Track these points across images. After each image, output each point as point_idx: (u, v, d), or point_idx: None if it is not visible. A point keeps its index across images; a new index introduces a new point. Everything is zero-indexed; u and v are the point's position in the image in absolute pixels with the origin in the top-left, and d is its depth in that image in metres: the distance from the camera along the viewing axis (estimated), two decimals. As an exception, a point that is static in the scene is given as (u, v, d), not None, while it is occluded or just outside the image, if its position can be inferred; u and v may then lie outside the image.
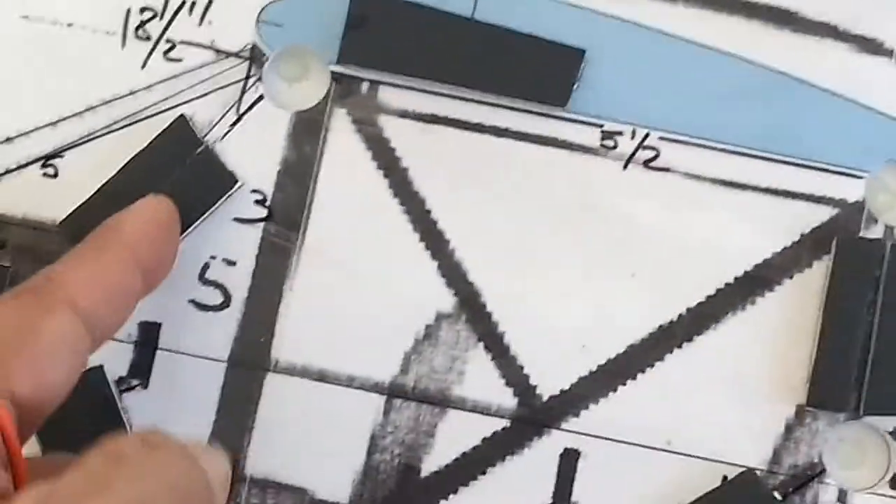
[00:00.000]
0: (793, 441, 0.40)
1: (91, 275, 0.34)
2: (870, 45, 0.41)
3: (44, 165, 0.41)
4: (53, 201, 0.41)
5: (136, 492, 0.28)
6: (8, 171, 0.41)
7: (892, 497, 0.39)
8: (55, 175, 0.41)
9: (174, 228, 0.39)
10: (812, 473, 0.39)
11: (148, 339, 0.41)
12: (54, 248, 0.40)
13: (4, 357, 0.31)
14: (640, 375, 0.40)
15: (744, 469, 0.39)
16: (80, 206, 0.40)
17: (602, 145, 0.41)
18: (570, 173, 0.41)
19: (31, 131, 0.41)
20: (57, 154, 0.41)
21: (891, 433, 0.40)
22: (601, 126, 0.41)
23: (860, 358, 0.39)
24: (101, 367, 0.40)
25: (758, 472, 0.39)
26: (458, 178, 0.41)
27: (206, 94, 0.41)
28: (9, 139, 0.41)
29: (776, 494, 0.39)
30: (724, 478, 0.40)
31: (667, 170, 0.41)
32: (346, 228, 0.41)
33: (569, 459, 0.40)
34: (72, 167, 0.41)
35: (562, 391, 0.40)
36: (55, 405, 0.32)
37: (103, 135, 0.41)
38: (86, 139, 0.41)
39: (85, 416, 0.39)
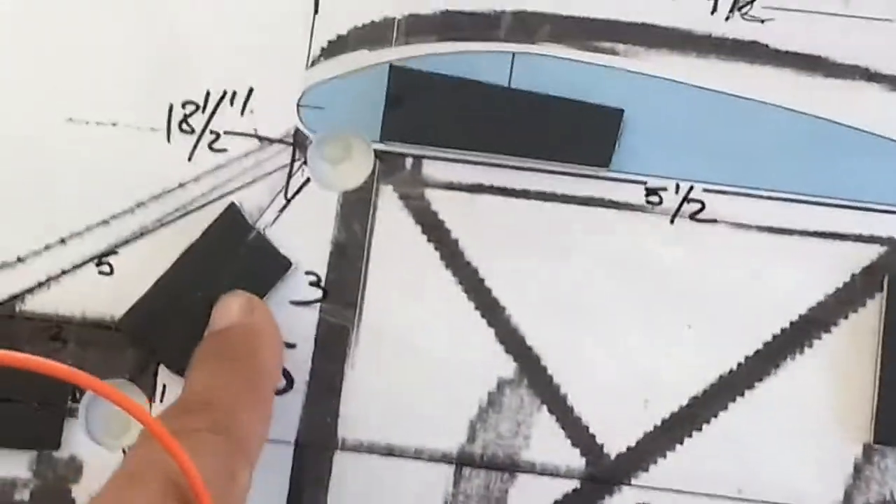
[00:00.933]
0: (863, 480, 0.40)
1: (260, 430, 0.37)
2: (902, 84, 0.41)
3: (99, 263, 0.42)
4: (110, 298, 0.41)
5: None
6: (64, 272, 0.42)
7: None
8: (111, 272, 0.42)
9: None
10: (885, 511, 0.39)
11: (214, 427, 0.41)
12: (113, 343, 0.41)
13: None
14: (705, 426, 0.40)
15: (817, 511, 0.39)
16: (137, 302, 0.41)
17: (647, 201, 0.41)
18: (617, 231, 0.41)
19: (84, 231, 0.42)
20: (111, 251, 0.42)
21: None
22: (645, 183, 0.41)
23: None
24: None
25: (832, 514, 0.39)
26: (507, 245, 0.41)
27: (253, 182, 0.42)
28: (62, 240, 0.42)
29: (851, 534, 0.39)
30: (799, 521, 0.39)
31: (714, 221, 0.41)
32: (402, 303, 0.41)
33: (642, 514, 0.40)
34: (126, 263, 0.42)
35: (628, 448, 0.40)
36: None
37: (156, 229, 0.42)
38: (138, 235, 0.42)
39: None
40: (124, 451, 0.41)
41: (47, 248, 0.42)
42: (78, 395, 0.41)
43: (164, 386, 0.41)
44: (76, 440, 0.41)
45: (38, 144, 0.42)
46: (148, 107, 0.42)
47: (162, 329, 0.41)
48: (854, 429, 0.40)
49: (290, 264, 0.41)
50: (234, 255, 0.41)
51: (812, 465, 0.40)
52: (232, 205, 0.41)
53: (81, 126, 0.42)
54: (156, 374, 0.41)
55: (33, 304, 0.41)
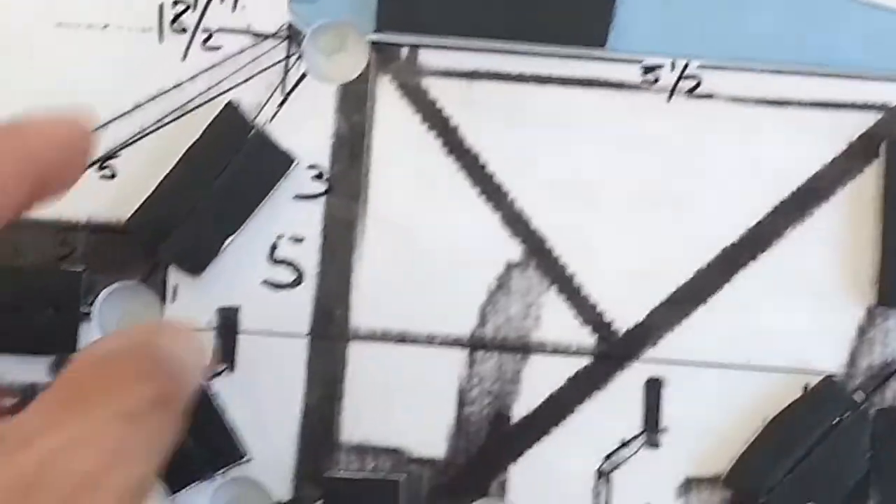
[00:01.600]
0: (867, 342, 0.41)
1: None
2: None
3: (101, 168, 0.41)
4: (115, 201, 0.41)
5: (146, 467, 0.28)
6: (66, 178, 0.41)
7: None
8: (113, 176, 0.42)
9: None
10: (889, 372, 0.40)
11: (227, 323, 0.41)
12: (122, 248, 0.41)
13: None
14: (710, 299, 0.41)
15: (823, 376, 0.40)
16: (142, 204, 0.41)
17: (644, 80, 0.41)
18: (616, 111, 0.41)
19: (84, 136, 0.41)
20: (112, 155, 0.42)
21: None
22: (641, 62, 0.42)
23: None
24: (186, 357, 0.40)
25: (836, 378, 0.40)
26: (507, 130, 0.41)
27: (249, 79, 0.42)
28: (62, 146, 0.41)
29: (856, 397, 0.40)
30: (805, 387, 0.40)
31: (710, 96, 0.41)
32: (406, 192, 0.41)
33: (653, 388, 0.41)
34: (128, 166, 0.42)
35: (637, 324, 0.41)
36: None
37: (154, 130, 0.42)
38: (138, 136, 0.42)
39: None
40: (139, 353, 0.41)
41: (47, 154, 0.41)
42: (91, 299, 0.41)
43: (176, 287, 0.41)
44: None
45: (29, 52, 0.42)
46: (138, 8, 0.42)
47: (169, 229, 0.41)
48: (857, 293, 0.41)
49: (293, 160, 0.41)
50: (235, 153, 0.41)
51: (817, 331, 0.41)
52: (230, 103, 0.41)
53: (72, 30, 0.42)
54: (166, 275, 0.41)
55: (37, 212, 0.41)
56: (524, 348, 0.41)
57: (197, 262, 0.41)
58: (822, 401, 0.40)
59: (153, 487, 0.29)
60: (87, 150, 0.33)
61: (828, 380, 0.40)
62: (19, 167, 0.31)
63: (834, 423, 0.40)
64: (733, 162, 0.41)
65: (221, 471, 0.41)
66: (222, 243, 0.41)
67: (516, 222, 0.41)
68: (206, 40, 0.42)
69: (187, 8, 0.42)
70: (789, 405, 0.40)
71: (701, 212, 0.41)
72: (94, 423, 0.28)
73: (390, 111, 0.42)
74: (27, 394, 0.41)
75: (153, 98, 0.42)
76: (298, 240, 0.41)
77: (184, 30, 0.42)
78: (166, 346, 0.31)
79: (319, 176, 0.42)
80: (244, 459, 0.41)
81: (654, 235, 0.41)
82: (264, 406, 0.41)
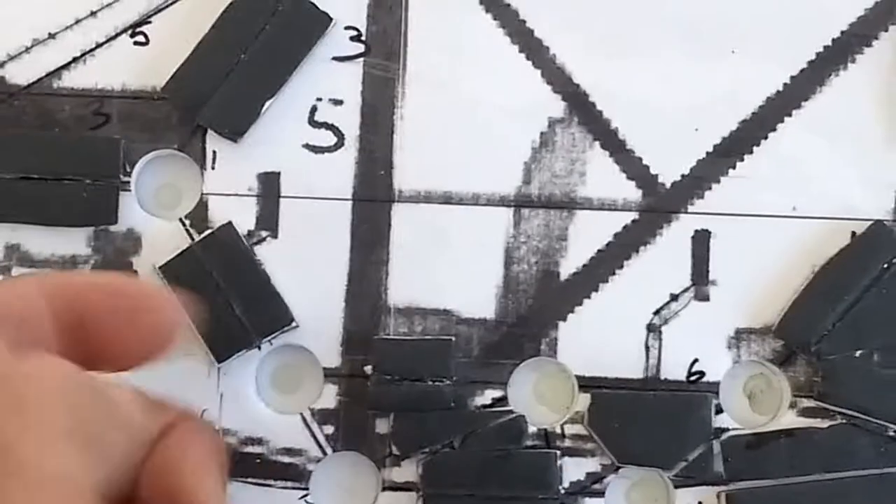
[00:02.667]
0: (914, 187, 0.41)
1: None
2: None
3: (133, 34, 0.41)
4: (149, 68, 0.41)
5: None
6: (98, 45, 0.41)
7: None
8: (146, 42, 0.41)
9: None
10: (937, 215, 0.40)
11: (269, 189, 0.41)
12: (157, 114, 0.40)
13: None
14: (755, 148, 0.41)
15: (871, 222, 0.40)
16: (178, 69, 0.40)
17: (683, -70, 0.41)
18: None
19: (114, 2, 0.41)
20: (144, 21, 0.41)
21: None
22: (679, -89, 0.41)
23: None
24: (229, 222, 0.40)
25: (888, 223, 0.40)
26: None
27: (282, -61, 0.41)
28: (93, 13, 0.41)
29: (903, 242, 0.40)
30: (853, 233, 0.40)
31: (750, -56, 0.41)
32: (445, 50, 0.41)
33: (701, 240, 0.41)
34: (161, 32, 0.41)
35: (682, 176, 0.41)
36: None
37: (186, -6, 0.41)
38: (171, 1, 0.41)
39: (225, 272, 0.39)
40: (181, 221, 0.40)
41: (78, 22, 0.41)
42: (128, 168, 0.40)
43: (214, 152, 0.41)
44: (131, 213, 0.41)
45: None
46: None
47: (207, 94, 0.40)
48: (901, 138, 0.41)
49: (331, 20, 0.40)
50: (271, 14, 0.40)
51: (862, 177, 0.41)
52: (265, -36, 0.40)
53: None
54: (204, 141, 0.41)
55: (71, 80, 0.41)
56: (570, 204, 0.41)
57: (236, 127, 0.40)
58: (870, 246, 0.40)
59: None
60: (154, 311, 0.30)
61: (877, 225, 0.40)
62: (49, 291, 0.29)
63: (884, 267, 0.40)
64: (774, 9, 0.41)
65: (269, 338, 0.40)
66: (261, 106, 0.40)
67: (557, 78, 0.41)
68: None
69: None
70: (838, 252, 0.40)
71: (744, 61, 0.41)
72: None
73: (426, -31, 0.41)
74: (67, 265, 0.40)
75: (184, -38, 0.41)
76: (338, 102, 0.41)
77: None
78: None
79: (357, 37, 0.41)
80: (291, 325, 0.40)
81: (697, 87, 0.41)
82: (310, 272, 0.41)
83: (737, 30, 0.41)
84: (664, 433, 0.40)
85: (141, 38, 0.41)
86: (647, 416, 0.40)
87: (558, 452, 0.40)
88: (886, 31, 0.41)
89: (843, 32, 0.41)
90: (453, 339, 0.40)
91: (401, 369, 0.40)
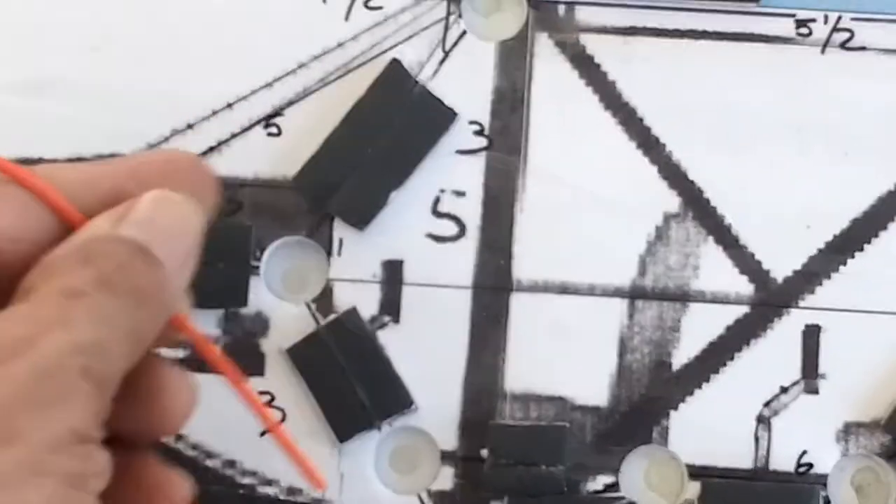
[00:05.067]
0: None
1: None
2: None
3: (266, 126, 0.43)
4: (280, 158, 0.43)
5: (92, 335, 0.28)
6: (234, 136, 0.43)
7: None
8: (279, 133, 0.43)
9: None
10: None
11: (392, 276, 0.42)
12: (288, 202, 0.42)
13: None
14: (866, 246, 0.42)
15: (981, 320, 0.41)
16: (310, 160, 0.42)
17: (798, 34, 0.42)
18: (770, 65, 0.42)
19: (249, 95, 0.43)
20: (277, 113, 0.43)
21: None
22: (794, 15, 0.42)
23: None
24: (354, 308, 0.42)
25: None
26: (662, 83, 0.42)
27: (410, 37, 0.43)
28: (229, 105, 0.43)
29: None
30: (963, 331, 0.41)
31: (863, 48, 0.42)
32: (565, 146, 0.42)
33: (811, 335, 0.42)
34: (293, 124, 0.43)
35: (794, 271, 0.42)
36: None
37: (319, 89, 0.43)
38: (303, 95, 0.43)
39: (349, 355, 0.41)
40: (307, 305, 0.42)
41: (215, 113, 0.43)
42: (259, 253, 0.42)
43: (341, 240, 0.42)
44: (260, 297, 0.42)
45: (200, 9, 0.43)
46: (300, -31, 0.43)
47: (336, 184, 0.42)
48: None
49: (456, 114, 0.42)
50: (399, 108, 0.42)
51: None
52: (395, 60, 0.42)
53: (236, -8, 0.43)
54: (332, 229, 0.42)
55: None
56: (683, 297, 0.42)
57: (362, 216, 0.42)
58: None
59: (121, 370, 0.29)
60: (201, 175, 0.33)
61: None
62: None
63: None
64: (886, 113, 0.42)
65: (389, 420, 0.42)
66: (387, 197, 0.42)
67: (673, 174, 0.42)
68: (367, 1, 0.43)
69: (347, -31, 0.43)
70: (947, 349, 0.41)
71: (855, 161, 0.42)
72: (30, 299, 0.28)
73: (548, 67, 0.43)
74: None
75: (317, 57, 0.43)
76: (461, 193, 0.42)
77: (344, -9, 0.43)
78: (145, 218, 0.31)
79: (480, 131, 0.43)
80: (411, 408, 0.42)
81: (810, 184, 0.42)
82: (429, 357, 0.42)
83: (850, 132, 0.42)
84: (773, 524, 0.41)
85: (274, 130, 0.43)
86: (757, 506, 0.41)
87: (668, 539, 0.41)
88: None
89: (954, 135, 0.42)
90: (567, 425, 0.41)
91: (516, 454, 0.41)
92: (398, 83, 0.42)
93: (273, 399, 0.42)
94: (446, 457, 0.42)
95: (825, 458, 0.41)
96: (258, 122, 0.43)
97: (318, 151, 0.42)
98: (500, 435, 0.41)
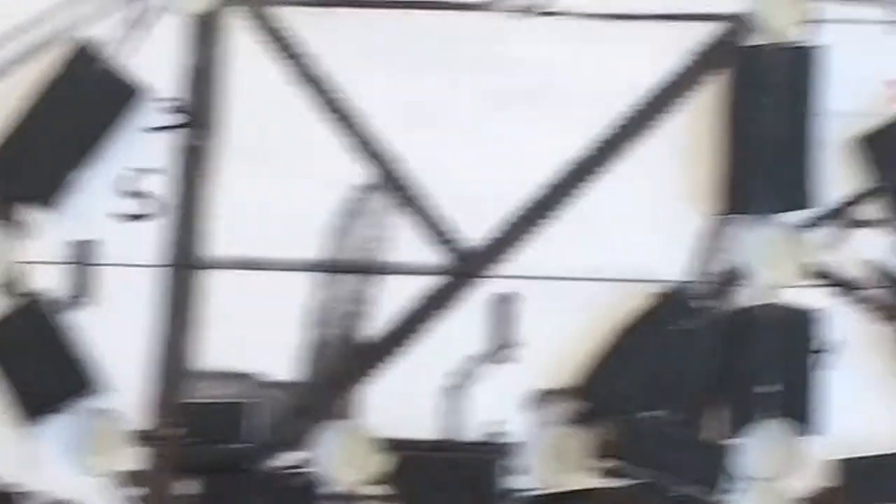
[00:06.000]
0: (713, 250, 0.41)
1: None
2: None
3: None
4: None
5: None
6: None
7: (808, 286, 0.41)
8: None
9: None
10: (731, 278, 0.41)
11: (83, 256, 0.42)
12: None
13: None
14: (558, 213, 0.41)
15: (670, 284, 0.41)
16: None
17: (493, 0, 0.42)
18: (463, 32, 0.42)
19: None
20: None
21: (803, 225, 0.41)
22: (486, -17, 0.42)
23: (764, 159, 0.40)
24: (43, 290, 0.41)
25: (681, 286, 0.40)
26: (357, 56, 0.42)
27: (101, 15, 0.42)
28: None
29: (702, 303, 0.40)
30: (653, 295, 0.41)
31: (559, 13, 0.42)
32: (258, 120, 0.42)
33: (503, 303, 0.41)
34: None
35: (487, 240, 0.41)
36: None
37: (3, 70, 0.42)
38: (-8, 76, 0.42)
39: (39, 338, 0.41)
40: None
41: None
42: None
43: (27, 221, 0.42)
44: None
45: None
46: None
47: (20, 166, 0.41)
48: (701, 202, 0.41)
49: (142, 92, 0.42)
50: (84, 88, 0.42)
51: (663, 240, 0.41)
52: (79, 38, 0.42)
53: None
54: (17, 211, 0.42)
55: None
56: (376, 269, 0.42)
57: (49, 198, 0.42)
58: (668, 308, 0.41)
59: None
60: None
61: (672, 288, 0.41)
62: None
63: (679, 329, 0.40)
64: (581, 77, 0.42)
65: (79, 401, 0.41)
66: (73, 177, 0.41)
67: (370, 146, 0.42)
68: (56, -21, 0.42)
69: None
70: (635, 315, 0.40)
71: (549, 127, 0.42)
72: None
73: (242, 41, 0.42)
74: None
75: (8, 35, 0.42)
76: (153, 171, 0.42)
77: (38, -29, 0.42)
78: None
79: (173, 108, 0.42)
80: (102, 389, 0.41)
81: (503, 153, 0.42)
82: (121, 337, 0.42)
83: (544, 98, 0.41)
84: (464, 493, 0.40)
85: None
86: (448, 476, 0.40)
87: (358, 513, 0.40)
88: (690, 97, 0.42)
89: (646, 98, 0.42)
90: (259, 401, 0.41)
91: (207, 431, 0.41)
92: (83, 63, 0.42)
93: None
94: (139, 437, 0.41)
95: (517, 427, 0.41)
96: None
97: (0, 135, 0.41)
98: (191, 413, 0.41)
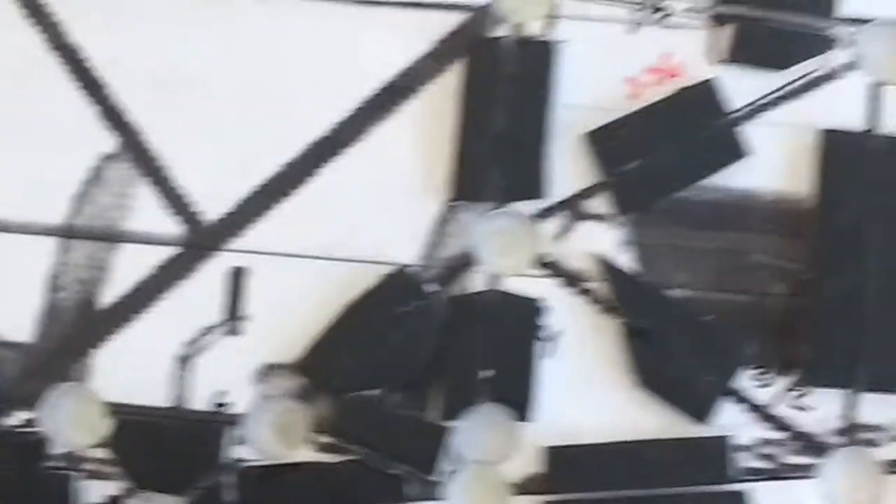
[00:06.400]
0: (444, 236, 0.42)
1: None
2: None
3: None
4: None
5: None
6: None
7: (537, 276, 0.42)
8: None
9: None
10: (463, 263, 0.42)
11: None
12: None
13: None
14: (297, 191, 0.42)
15: (399, 266, 0.41)
16: None
17: (242, -21, 0.43)
18: (214, 12, 0.43)
19: None
20: None
21: (535, 216, 0.42)
22: (240, -40, 0.43)
23: (499, 149, 0.41)
24: None
25: (409, 268, 0.41)
26: (105, 23, 0.43)
27: None
28: None
29: (428, 287, 0.41)
30: (380, 276, 0.42)
31: (294, -5, 0.42)
32: (4, 84, 0.42)
33: (236, 276, 0.42)
34: None
35: (225, 214, 0.42)
36: None
37: None
38: None
39: None
40: None
41: None
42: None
43: None
44: None
45: None
46: None
47: None
48: (436, 188, 0.42)
49: None
50: None
51: (397, 224, 0.42)
52: None
53: None
54: None
55: None
56: (115, 237, 0.42)
57: None
58: (392, 290, 0.41)
59: None
60: None
61: (399, 270, 0.41)
62: None
63: (404, 311, 0.41)
64: (325, 59, 0.42)
65: None
66: None
67: (112, 115, 0.43)
68: None
69: None
70: (361, 294, 0.41)
71: (291, 107, 0.42)
72: None
73: (-8, 7, 0.43)
74: None
75: None
76: None
77: None
78: None
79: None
80: None
81: (245, 129, 0.42)
82: None
83: (290, 78, 0.42)
84: (184, 461, 0.41)
85: None
86: (170, 443, 0.41)
87: (79, 474, 0.41)
88: (428, 84, 0.42)
89: (386, 83, 0.42)
90: (-13, 361, 0.42)
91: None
92: None
93: None
94: None
95: (243, 399, 0.42)
96: None
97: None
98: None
